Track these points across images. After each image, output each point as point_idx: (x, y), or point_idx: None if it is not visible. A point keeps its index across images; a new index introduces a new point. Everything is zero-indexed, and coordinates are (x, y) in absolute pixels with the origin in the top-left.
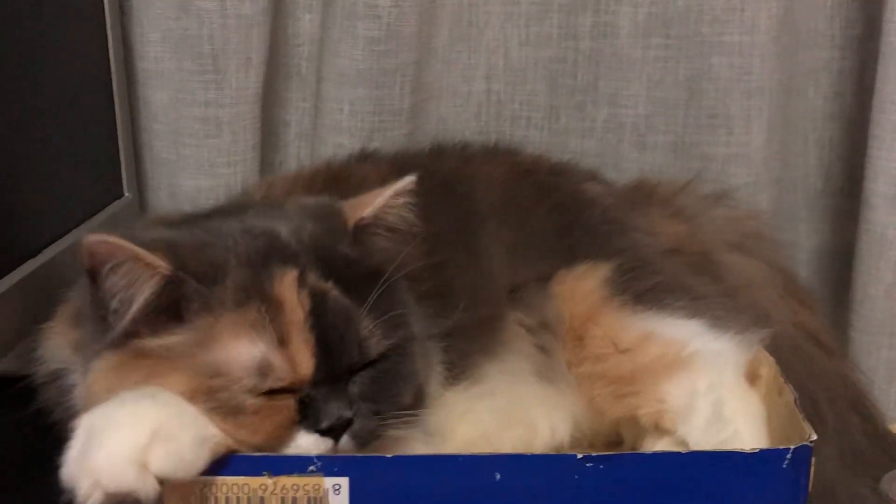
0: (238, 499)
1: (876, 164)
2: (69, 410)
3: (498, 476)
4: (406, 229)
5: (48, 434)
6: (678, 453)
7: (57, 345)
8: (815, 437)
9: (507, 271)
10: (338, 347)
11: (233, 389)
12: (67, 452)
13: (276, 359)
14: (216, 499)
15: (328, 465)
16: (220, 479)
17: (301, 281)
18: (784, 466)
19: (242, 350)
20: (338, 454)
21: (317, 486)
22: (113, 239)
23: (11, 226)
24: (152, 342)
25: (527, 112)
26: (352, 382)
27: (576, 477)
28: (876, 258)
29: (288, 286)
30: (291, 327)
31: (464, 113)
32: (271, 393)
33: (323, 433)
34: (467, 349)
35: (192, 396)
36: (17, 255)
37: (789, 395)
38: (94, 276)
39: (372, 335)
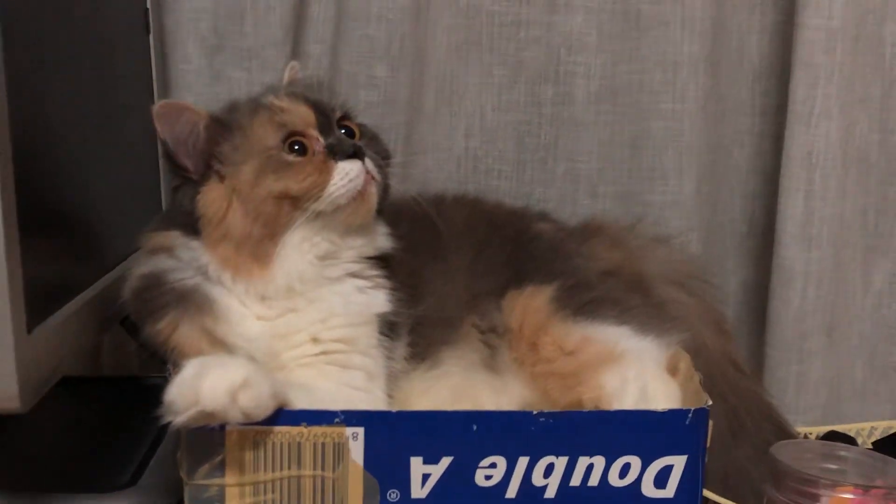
0: (282, 444)
1: (785, 209)
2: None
3: (475, 427)
4: None
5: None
6: (608, 411)
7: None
8: (710, 402)
9: (467, 283)
10: (323, 106)
11: (275, 153)
12: (175, 378)
13: (285, 116)
14: (265, 443)
15: (349, 418)
16: (269, 427)
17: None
18: (686, 423)
19: (268, 128)
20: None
21: (340, 434)
22: (172, 101)
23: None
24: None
25: (498, 165)
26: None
27: (532, 428)
28: (785, 287)
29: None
30: (285, 98)
31: (446, 165)
32: (302, 152)
33: (351, 156)
34: (431, 337)
35: (261, 172)
36: (87, 277)
37: (697, 378)
38: (163, 140)
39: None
